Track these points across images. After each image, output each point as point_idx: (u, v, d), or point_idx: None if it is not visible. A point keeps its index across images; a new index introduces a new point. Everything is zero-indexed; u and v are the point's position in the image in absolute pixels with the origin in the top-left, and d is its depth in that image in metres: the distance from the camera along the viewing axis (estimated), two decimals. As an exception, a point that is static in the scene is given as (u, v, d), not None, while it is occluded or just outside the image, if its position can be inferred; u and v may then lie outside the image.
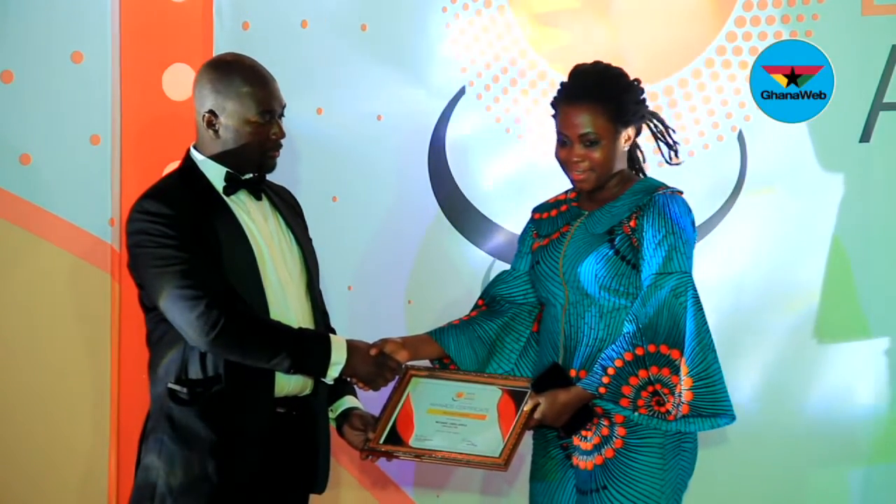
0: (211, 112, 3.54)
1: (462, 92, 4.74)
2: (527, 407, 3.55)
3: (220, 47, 4.78)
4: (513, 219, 4.72)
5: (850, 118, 4.44)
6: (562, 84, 3.74)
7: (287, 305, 3.55)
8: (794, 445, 4.58)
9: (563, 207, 3.82)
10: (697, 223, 4.52)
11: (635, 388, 3.53)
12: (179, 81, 4.78)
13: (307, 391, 3.59)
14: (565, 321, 3.68)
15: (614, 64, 3.78)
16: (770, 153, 4.53)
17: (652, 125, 3.78)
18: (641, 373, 3.52)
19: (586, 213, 3.75)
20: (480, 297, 3.95)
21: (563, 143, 3.69)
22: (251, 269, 3.49)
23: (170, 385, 3.47)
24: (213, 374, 3.45)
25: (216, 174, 3.56)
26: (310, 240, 3.73)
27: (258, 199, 3.61)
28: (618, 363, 3.52)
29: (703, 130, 4.55)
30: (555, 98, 3.73)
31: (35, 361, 4.66)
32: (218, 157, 3.57)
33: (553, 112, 3.72)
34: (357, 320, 4.68)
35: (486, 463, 3.51)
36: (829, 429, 4.55)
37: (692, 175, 4.54)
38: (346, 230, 4.73)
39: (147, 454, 3.54)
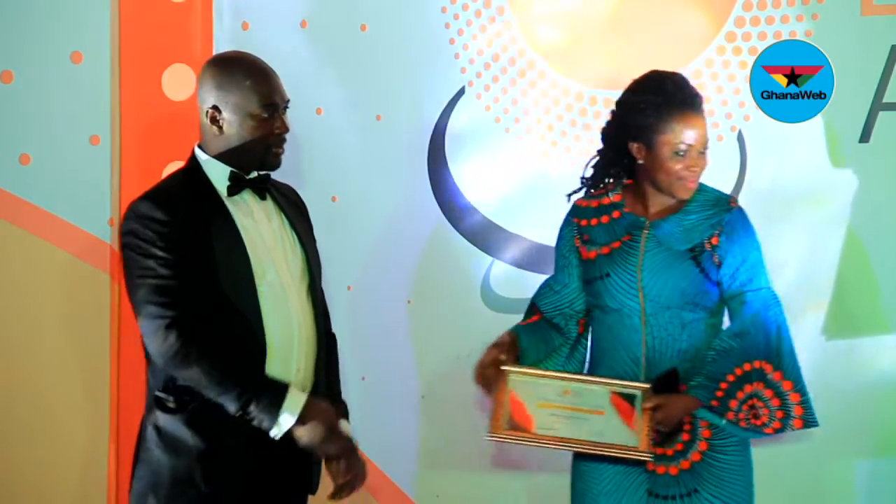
0: (214, 107, 3.54)
1: (462, 92, 4.74)
2: (648, 405, 3.60)
3: (220, 47, 4.78)
4: (512, 219, 4.72)
5: (849, 118, 4.45)
6: (663, 93, 3.70)
7: (288, 308, 3.53)
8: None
9: (616, 213, 3.81)
10: (696, 223, 4.58)
11: (739, 402, 3.62)
12: (179, 81, 4.78)
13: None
14: (647, 332, 3.70)
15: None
16: (769, 153, 4.53)
17: None
18: (747, 387, 3.62)
19: (645, 220, 3.76)
20: (534, 311, 3.94)
21: (679, 153, 3.67)
22: (246, 276, 3.47)
23: (157, 393, 3.47)
24: None
25: (220, 174, 3.55)
26: (314, 240, 3.72)
27: (262, 198, 3.60)
28: (730, 378, 3.62)
29: (703, 130, 4.55)
30: (657, 108, 3.68)
31: (34, 361, 4.66)
32: (222, 156, 3.56)
33: (646, 122, 3.68)
34: (357, 320, 4.68)
35: (628, 451, 3.55)
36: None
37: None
38: (345, 230, 4.73)
39: (139, 463, 3.54)
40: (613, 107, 3.82)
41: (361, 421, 4.60)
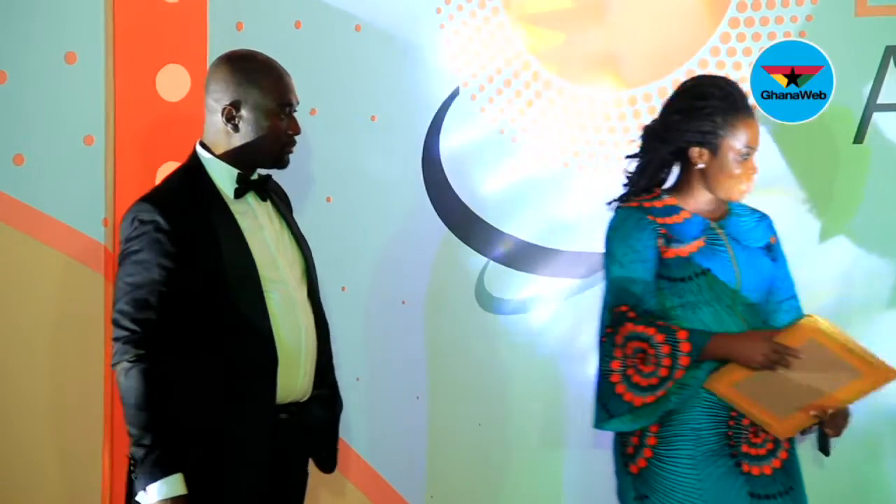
0: (232, 105, 3.51)
1: (456, 93, 4.74)
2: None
3: (214, 48, 4.77)
4: (506, 220, 4.72)
5: (844, 119, 4.45)
6: (732, 97, 3.70)
7: (296, 313, 3.52)
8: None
9: (685, 214, 3.76)
10: (690, 224, 4.58)
11: None
12: (173, 82, 4.77)
13: (306, 397, 3.57)
14: (747, 325, 3.69)
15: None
16: (764, 154, 4.52)
17: None
18: None
19: (709, 221, 3.76)
20: (632, 311, 3.74)
21: (743, 156, 3.69)
22: (255, 281, 3.44)
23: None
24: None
25: (224, 175, 3.53)
26: (305, 239, 3.72)
27: (263, 199, 3.59)
28: None
29: (698, 131, 4.55)
30: (724, 112, 3.69)
31: (28, 362, 4.65)
32: (231, 154, 3.53)
33: (712, 127, 3.68)
34: (351, 321, 4.68)
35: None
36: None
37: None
38: (339, 231, 4.72)
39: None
40: (662, 111, 3.77)
41: (355, 421, 4.61)
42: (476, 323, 4.75)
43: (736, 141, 3.67)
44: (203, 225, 3.43)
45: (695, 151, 3.71)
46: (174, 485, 3.33)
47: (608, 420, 3.66)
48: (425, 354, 4.78)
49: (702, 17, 4.53)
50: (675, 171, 3.78)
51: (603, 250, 3.74)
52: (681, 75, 4.55)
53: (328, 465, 3.69)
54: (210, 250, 3.41)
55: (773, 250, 3.80)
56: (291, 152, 3.59)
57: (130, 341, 3.35)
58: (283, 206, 3.67)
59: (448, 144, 4.75)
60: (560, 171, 4.66)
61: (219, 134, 3.55)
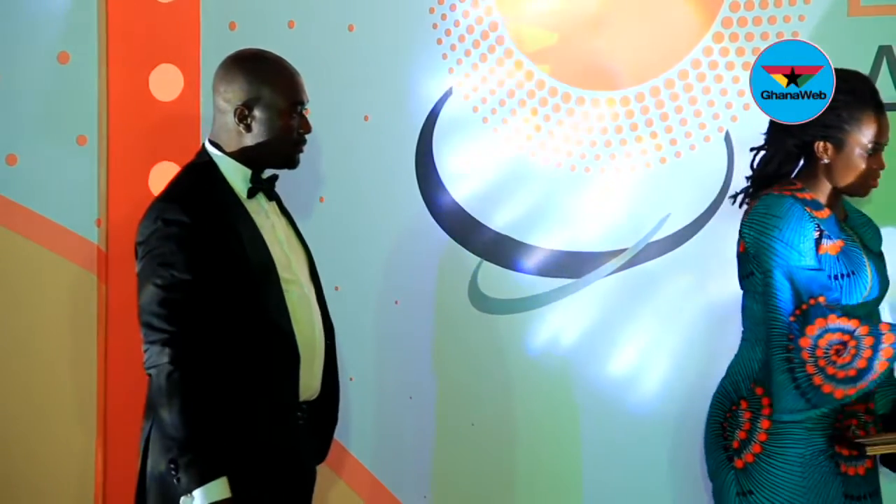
0: (245, 104, 3.50)
1: (449, 93, 4.74)
2: None
3: (207, 48, 4.78)
4: (500, 219, 4.72)
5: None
6: (859, 91, 3.69)
7: (311, 312, 3.54)
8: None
9: (827, 211, 3.73)
10: (683, 225, 4.57)
11: None
12: (166, 82, 4.78)
13: (315, 395, 3.58)
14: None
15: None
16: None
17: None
18: None
19: (841, 222, 3.76)
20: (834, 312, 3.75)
21: (871, 151, 3.68)
22: (275, 280, 3.45)
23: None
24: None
25: (237, 174, 3.51)
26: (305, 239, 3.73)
27: (270, 199, 3.59)
28: None
29: (690, 131, 4.55)
30: (850, 106, 3.69)
31: (21, 362, 4.66)
32: (242, 154, 3.52)
33: (838, 121, 3.68)
34: (345, 321, 4.66)
35: None
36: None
37: (678, 176, 4.56)
38: (333, 231, 4.72)
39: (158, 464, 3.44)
40: None
41: (349, 422, 4.61)
42: (469, 323, 4.74)
43: (862, 136, 3.66)
44: (225, 223, 3.42)
45: (819, 146, 3.70)
46: (220, 488, 3.31)
47: (807, 410, 3.62)
48: (418, 354, 4.78)
49: (694, 16, 4.53)
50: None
51: (758, 237, 3.68)
52: (674, 75, 4.55)
53: (319, 458, 3.71)
54: (234, 249, 3.40)
55: (882, 258, 3.77)
56: (302, 151, 3.60)
57: (168, 343, 3.30)
58: (284, 205, 3.69)
59: (441, 144, 4.75)
60: (553, 171, 4.66)
61: (229, 133, 3.54)
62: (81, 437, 4.69)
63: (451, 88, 4.74)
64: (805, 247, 3.65)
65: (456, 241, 4.76)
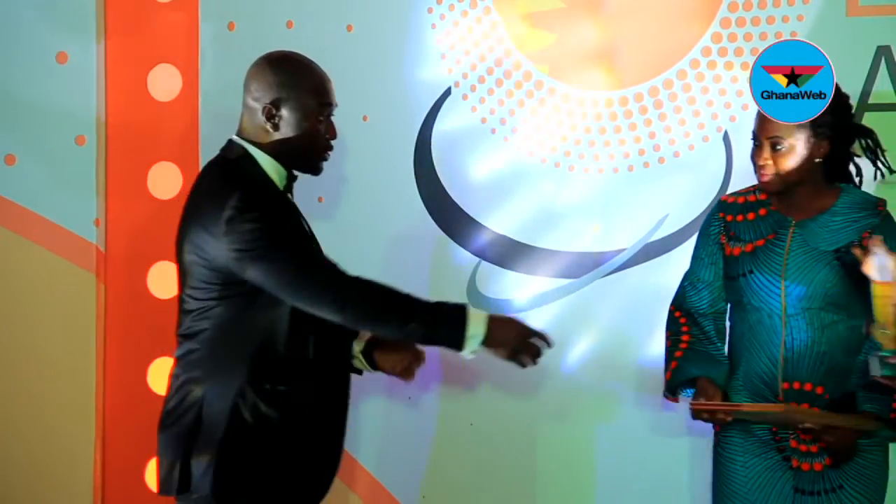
0: (272, 102, 3.51)
1: (448, 93, 4.74)
2: (818, 427, 3.64)
3: (206, 48, 4.78)
4: (498, 220, 4.71)
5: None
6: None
7: None
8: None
9: (762, 211, 3.81)
10: (681, 225, 4.57)
11: None
12: (165, 82, 4.78)
13: None
14: (787, 333, 3.71)
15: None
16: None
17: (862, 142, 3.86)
18: None
19: (792, 220, 3.77)
20: (677, 311, 3.95)
21: (757, 146, 3.79)
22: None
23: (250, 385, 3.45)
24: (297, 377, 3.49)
25: (271, 169, 3.53)
26: None
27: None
28: None
29: (689, 131, 4.55)
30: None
31: (20, 362, 4.67)
32: (272, 151, 3.53)
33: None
34: (343, 321, 4.67)
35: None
36: None
37: (677, 176, 4.56)
38: (330, 231, 4.70)
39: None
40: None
41: (348, 422, 4.61)
42: (468, 323, 4.73)
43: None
44: (290, 204, 3.53)
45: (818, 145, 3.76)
46: (476, 323, 3.44)
47: None
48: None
49: (693, 17, 4.52)
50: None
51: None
52: (672, 75, 4.55)
53: None
54: (305, 227, 3.55)
55: (852, 255, 3.63)
56: (326, 159, 3.61)
57: (329, 283, 3.44)
58: None
59: (440, 144, 4.75)
60: (551, 171, 4.66)
61: (258, 132, 3.54)
62: (80, 437, 4.70)
63: (449, 89, 4.74)
64: (700, 251, 3.94)
65: (454, 241, 4.76)
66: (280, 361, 3.46)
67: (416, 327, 3.43)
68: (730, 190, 4.51)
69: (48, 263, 4.67)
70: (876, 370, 3.48)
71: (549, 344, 3.55)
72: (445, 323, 3.45)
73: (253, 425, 3.43)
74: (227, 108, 4.82)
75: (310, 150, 3.56)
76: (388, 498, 4.83)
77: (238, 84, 4.80)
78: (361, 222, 4.80)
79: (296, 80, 3.54)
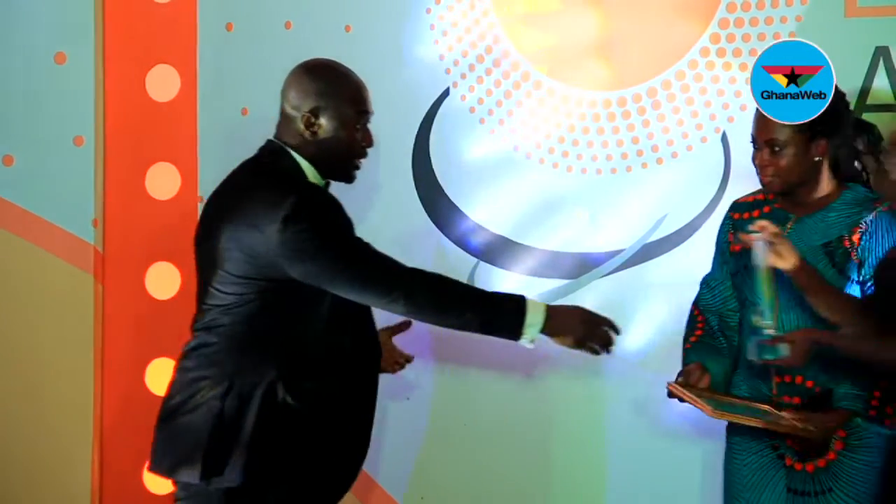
0: (311, 111, 3.57)
1: (446, 93, 4.74)
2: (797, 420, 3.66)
3: (204, 48, 4.79)
4: (496, 221, 4.72)
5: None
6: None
7: None
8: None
9: (766, 209, 3.86)
10: (680, 225, 4.57)
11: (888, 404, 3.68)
12: (163, 82, 4.78)
13: None
14: (778, 328, 3.70)
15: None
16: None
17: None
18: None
19: (792, 216, 3.80)
20: (696, 309, 4.02)
21: (756, 148, 3.82)
22: None
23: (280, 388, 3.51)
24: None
25: (312, 175, 3.60)
26: None
27: None
28: (883, 384, 3.64)
29: (687, 132, 4.55)
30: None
31: (18, 362, 4.66)
32: (310, 159, 3.59)
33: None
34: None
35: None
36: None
37: (675, 177, 4.56)
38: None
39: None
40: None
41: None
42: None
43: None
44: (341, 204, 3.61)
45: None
46: (535, 311, 3.51)
47: None
48: (415, 355, 4.77)
49: (691, 17, 4.52)
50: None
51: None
52: (671, 76, 4.54)
53: None
54: None
55: (841, 248, 3.72)
56: (359, 167, 3.68)
57: (391, 276, 3.52)
58: None
59: (438, 144, 4.75)
60: (549, 172, 4.66)
61: (295, 139, 3.60)
62: (78, 437, 4.70)
63: (447, 89, 4.74)
64: (715, 251, 4.02)
65: (452, 241, 4.76)
66: (312, 359, 3.54)
67: (473, 316, 3.51)
68: (727, 191, 4.52)
69: (46, 264, 4.67)
70: (753, 354, 3.60)
71: (616, 330, 3.62)
72: (503, 312, 3.52)
73: (282, 420, 3.49)
74: (226, 109, 4.85)
75: (346, 157, 3.64)
76: (387, 499, 4.83)
77: (236, 84, 4.86)
78: (359, 222, 4.74)
79: (334, 88, 3.61)
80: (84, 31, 4.67)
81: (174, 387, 3.58)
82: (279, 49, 4.77)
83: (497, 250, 4.73)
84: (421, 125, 4.75)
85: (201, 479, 3.47)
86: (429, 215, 4.78)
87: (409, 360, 4.05)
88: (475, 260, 4.76)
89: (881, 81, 4.40)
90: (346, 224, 3.54)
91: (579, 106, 4.62)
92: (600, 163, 4.62)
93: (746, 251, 3.78)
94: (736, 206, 3.98)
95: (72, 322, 4.69)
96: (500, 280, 4.72)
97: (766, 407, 3.71)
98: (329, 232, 3.49)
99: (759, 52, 4.36)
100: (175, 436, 3.52)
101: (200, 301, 3.59)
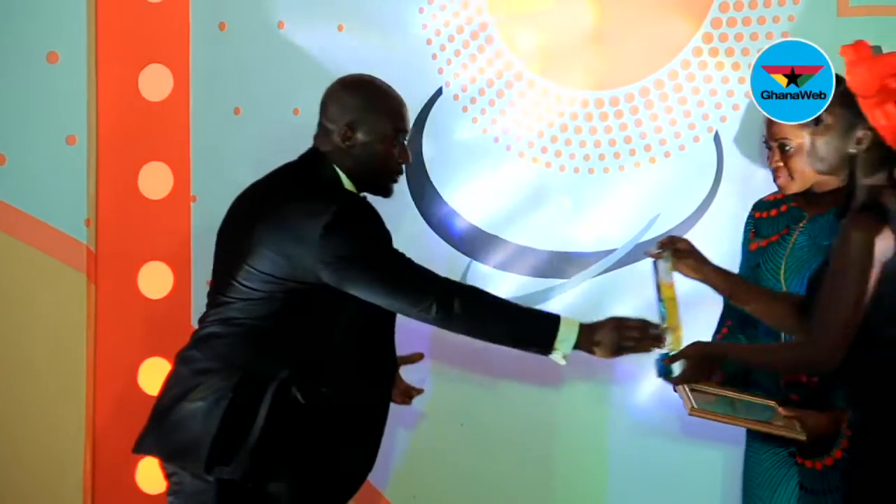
0: (349, 125, 3.62)
1: (439, 93, 4.74)
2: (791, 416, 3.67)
3: (197, 48, 4.78)
4: (489, 220, 4.72)
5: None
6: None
7: None
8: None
9: (784, 207, 3.88)
10: (672, 225, 4.56)
11: None
12: (156, 81, 4.78)
13: None
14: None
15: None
16: (746, 154, 4.53)
17: None
18: None
19: (806, 215, 3.82)
20: (724, 306, 4.03)
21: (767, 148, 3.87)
22: None
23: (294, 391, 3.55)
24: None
25: (350, 187, 3.65)
26: None
27: None
28: None
29: (680, 132, 4.55)
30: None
31: (10, 362, 4.66)
32: (348, 173, 3.65)
33: None
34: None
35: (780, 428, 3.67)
36: None
37: (668, 176, 4.56)
38: (322, 231, 4.71)
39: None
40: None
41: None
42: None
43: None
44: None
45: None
46: (568, 327, 3.59)
47: None
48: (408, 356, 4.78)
49: (684, 17, 4.53)
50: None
51: None
52: (663, 75, 4.55)
53: None
54: None
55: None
56: (396, 182, 3.74)
57: (444, 285, 3.60)
58: None
59: (430, 144, 4.75)
60: (542, 171, 4.66)
61: (332, 153, 3.66)
62: (71, 436, 4.69)
63: (440, 88, 4.74)
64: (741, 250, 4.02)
65: (445, 241, 4.76)
66: (328, 365, 3.57)
67: (505, 328, 3.60)
68: (720, 190, 4.53)
69: (39, 263, 4.66)
70: (656, 373, 3.66)
71: (651, 328, 3.68)
72: (536, 325, 3.60)
73: (293, 420, 3.53)
74: (219, 108, 4.85)
75: (381, 172, 3.69)
76: (378, 497, 4.83)
77: (229, 84, 4.85)
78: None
79: (373, 104, 3.66)
80: (76, 30, 4.66)
81: (175, 377, 3.62)
82: (272, 49, 4.77)
83: (490, 250, 4.73)
84: (413, 124, 4.73)
85: (205, 468, 3.48)
86: (421, 214, 4.77)
87: (419, 392, 4.11)
88: (468, 259, 4.75)
89: (873, 81, 4.40)
90: (384, 234, 3.60)
91: (572, 105, 4.62)
92: (593, 162, 4.62)
93: (760, 249, 3.81)
94: (758, 205, 4.00)
95: (64, 321, 4.68)
96: (492, 279, 4.72)
97: (772, 403, 3.71)
98: (368, 240, 3.55)
99: (752, 52, 4.41)
100: (178, 423, 3.53)
101: (217, 293, 3.63)
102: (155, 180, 4.79)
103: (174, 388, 3.59)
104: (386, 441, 4.76)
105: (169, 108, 4.77)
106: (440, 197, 4.76)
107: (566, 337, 3.57)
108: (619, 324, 3.67)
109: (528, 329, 3.60)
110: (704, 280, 3.71)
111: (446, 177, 4.77)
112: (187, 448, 3.51)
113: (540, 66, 4.66)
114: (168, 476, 3.60)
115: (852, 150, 3.51)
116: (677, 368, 3.61)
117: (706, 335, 3.98)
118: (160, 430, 3.57)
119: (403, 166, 3.77)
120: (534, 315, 3.65)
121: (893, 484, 3.36)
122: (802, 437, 3.61)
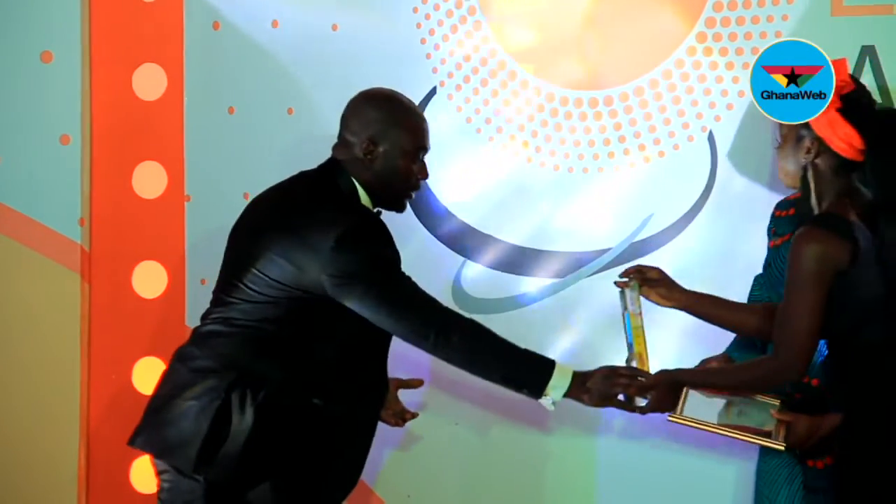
0: (370, 139, 3.66)
1: (433, 92, 4.74)
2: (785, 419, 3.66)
3: (191, 47, 4.78)
4: (483, 219, 4.71)
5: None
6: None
7: None
8: None
9: (792, 210, 3.93)
10: (666, 225, 4.57)
11: None
12: (150, 81, 4.78)
13: None
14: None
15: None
16: (740, 154, 4.54)
17: None
18: None
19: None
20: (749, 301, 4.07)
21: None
22: None
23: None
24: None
25: (366, 202, 3.69)
26: None
27: None
28: None
29: (674, 131, 4.55)
30: None
31: (3, 361, 4.65)
32: (365, 185, 3.68)
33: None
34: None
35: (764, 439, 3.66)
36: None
37: (662, 176, 4.56)
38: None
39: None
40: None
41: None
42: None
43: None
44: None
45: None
46: (560, 376, 3.64)
47: None
48: (402, 355, 4.76)
49: (678, 16, 4.53)
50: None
51: None
52: (657, 75, 4.55)
53: None
54: None
55: None
56: (412, 198, 3.78)
57: (444, 314, 3.66)
58: None
59: (426, 144, 4.74)
60: (537, 171, 4.66)
61: (352, 165, 3.68)
62: (65, 436, 4.69)
63: (434, 88, 4.74)
64: None
65: (439, 240, 4.76)
66: (322, 377, 3.60)
67: (499, 367, 3.64)
68: (714, 190, 4.53)
69: (33, 263, 4.66)
70: (626, 403, 3.70)
71: (640, 378, 3.69)
72: (529, 368, 3.64)
73: (282, 425, 3.55)
74: (213, 108, 4.85)
75: (400, 187, 3.73)
76: (373, 497, 4.83)
77: (222, 83, 4.85)
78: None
79: (396, 119, 3.70)
80: (70, 29, 4.66)
81: (171, 373, 3.64)
82: (266, 48, 4.77)
83: (484, 249, 4.73)
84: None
85: (193, 467, 3.48)
86: (415, 213, 4.76)
87: (413, 416, 4.16)
88: (462, 259, 4.75)
89: (867, 80, 4.39)
90: (394, 256, 3.62)
91: (566, 105, 4.62)
92: (587, 161, 4.62)
93: (775, 248, 3.81)
94: (779, 204, 4.04)
95: (58, 321, 4.68)
96: (486, 279, 4.72)
97: (775, 401, 3.71)
98: (376, 261, 3.57)
99: (746, 51, 4.41)
100: (170, 420, 3.54)
101: (221, 292, 3.64)
102: (149, 180, 4.79)
103: (169, 385, 3.60)
104: (379, 439, 4.79)
105: (163, 108, 4.77)
106: (433, 195, 4.75)
107: (558, 384, 3.62)
108: (610, 372, 3.70)
109: (523, 372, 3.63)
110: (677, 306, 3.81)
111: (439, 176, 4.76)
112: (177, 446, 3.51)
113: (534, 66, 4.66)
114: (159, 473, 3.61)
115: (802, 161, 3.56)
116: (643, 399, 3.67)
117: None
118: (153, 426, 3.58)
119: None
120: (530, 358, 3.67)
121: (876, 484, 3.39)
122: (781, 448, 3.60)
